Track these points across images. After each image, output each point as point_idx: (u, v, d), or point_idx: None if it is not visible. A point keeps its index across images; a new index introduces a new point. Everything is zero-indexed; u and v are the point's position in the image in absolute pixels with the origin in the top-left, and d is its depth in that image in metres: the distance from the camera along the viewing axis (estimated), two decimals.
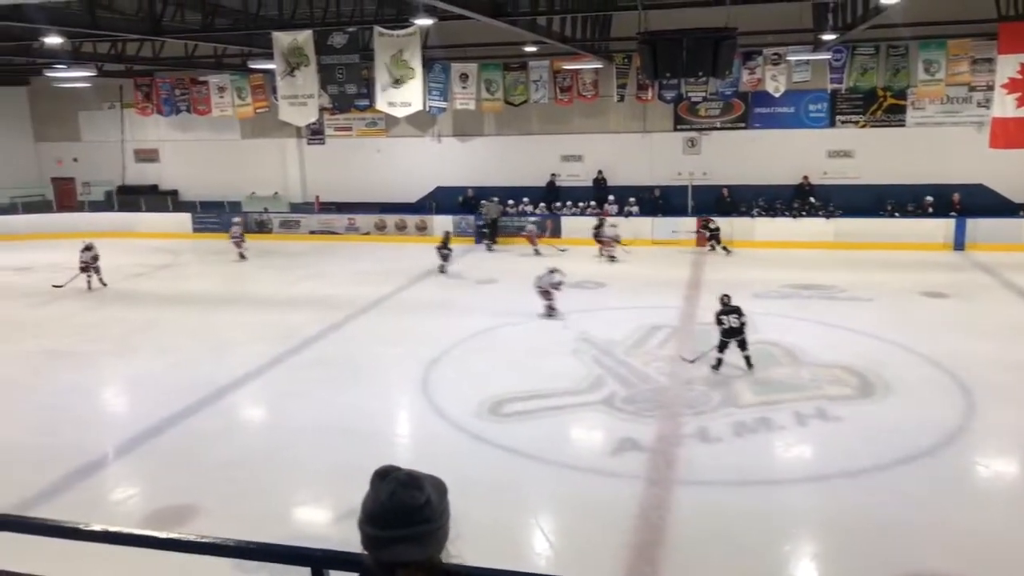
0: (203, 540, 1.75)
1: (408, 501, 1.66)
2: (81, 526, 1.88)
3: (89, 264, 17.20)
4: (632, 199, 22.42)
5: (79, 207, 26.87)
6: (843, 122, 21.69)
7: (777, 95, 20.49)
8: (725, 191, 21.92)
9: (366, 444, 8.93)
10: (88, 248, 17.37)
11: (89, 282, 17.29)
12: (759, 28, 16.90)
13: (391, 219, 23.73)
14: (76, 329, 14.39)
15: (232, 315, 15.28)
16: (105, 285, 17.49)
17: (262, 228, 24.61)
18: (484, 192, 23.38)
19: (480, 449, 8.72)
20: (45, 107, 27.79)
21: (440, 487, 1.73)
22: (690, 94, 21.36)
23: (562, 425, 9.55)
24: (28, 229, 24.84)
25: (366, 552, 1.67)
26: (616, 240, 19.75)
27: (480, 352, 12.44)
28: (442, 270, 18.29)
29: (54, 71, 20.92)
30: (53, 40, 14.28)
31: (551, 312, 13.97)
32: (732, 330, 10.88)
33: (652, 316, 13.92)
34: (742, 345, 10.93)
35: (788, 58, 19.64)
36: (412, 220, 23.71)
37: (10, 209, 25.88)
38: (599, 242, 19.96)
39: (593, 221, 20.79)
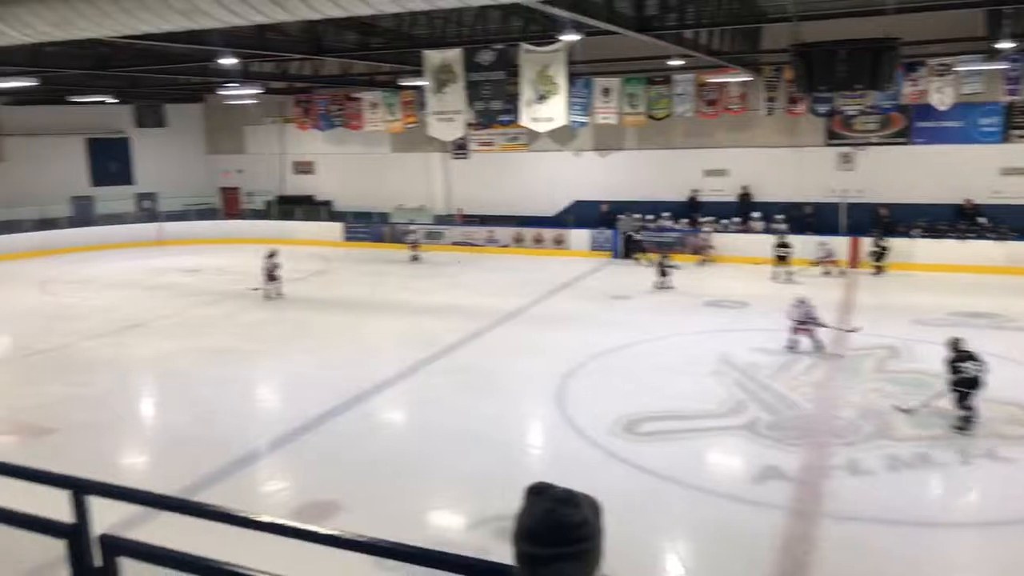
0: (361, 539, 1.80)
1: (567, 519, 1.63)
2: (250, 515, 1.98)
3: (271, 271, 17.57)
4: (780, 216, 21.55)
5: (242, 215, 28.93)
6: (1020, 137, 19.93)
7: (943, 108, 19.12)
8: (883, 210, 20.64)
9: (500, 454, 9.01)
10: (271, 255, 17.72)
11: (268, 291, 17.61)
12: (923, 37, 15.83)
13: (529, 232, 23.98)
14: (238, 328, 15.43)
15: (378, 321, 15.91)
16: (281, 295, 17.77)
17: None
18: (623, 207, 23.19)
19: (615, 467, 8.59)
20: (216, 122, 30.16)
21: (595, 505, 1.70)
22: (845, 107, 20.31)
23: (701, 448, 9.26)
24: (198, 235, 26.99)
25: (520, 568, 1.66)
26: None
27: (616, 369, 12.29)
28: (662, 285, 17.84)
29: (226, 89, 22.67)
30: (227, 60, 15.48)
31: (817, 345, 12.49)
32: (971, 380, 9.21)
33: (799, 339, 13.24)
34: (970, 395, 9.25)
35: (956, 68, 18.30)
36: (550, 233, 23.86)
37: (183, 216, 28.22)
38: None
39: (772, 239, 19.67)
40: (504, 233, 24.39)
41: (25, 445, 9.69)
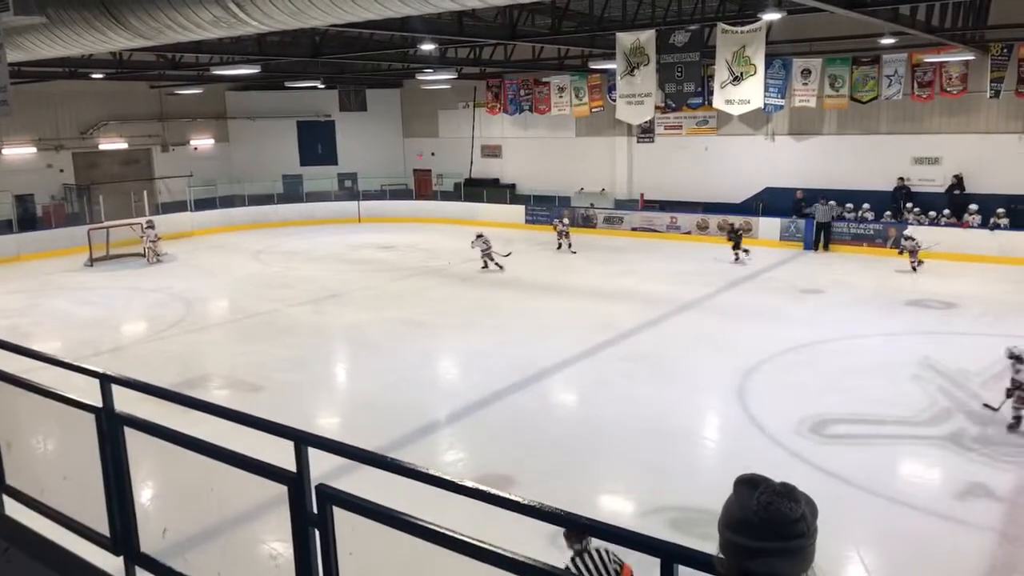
0: (559, 512, 1.85)
1: (785, 513, 1.58)
2: (454, 479, 2.08)
3: (485, 250, 19.28)
4: (1001, 210, 19.41)
5: (433, 196, 30.28)
6: None
7: None
8: None
9: (676, 445, 8.87)
10: (479, 236, 19.45)
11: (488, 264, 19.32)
12: None
13: (714, 219, 23.25)
14: (426, 303, 16.22)
15: (556, 302, 16.12)
16: (501, 268, 19.21)
17: (587, 223, 25.57)
18: (818, 194, 21.86)
19: (799, 468, 8.17)
20: (412, 106, 31.67)
21: (812, 504, 1.64)
22: None
23: (896, 456, 8.62)
24: (392, 213, 28.57)
25: (725, 558, 1.63)
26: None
27: (802, 366, 11.68)
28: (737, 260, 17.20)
29: (424, 74, 23.72)
30: (427, 47, 16.18)
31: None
32: None
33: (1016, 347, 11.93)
34: None
35: None
36: (736, 221, 22.97)
37: (379, 195, 29.97)
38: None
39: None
40: (687, 220, 23.80)
41: (240, 399, 10.75)
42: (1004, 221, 19.27)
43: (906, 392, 10.26)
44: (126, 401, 3.29)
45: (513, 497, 1.94)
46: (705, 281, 17.35)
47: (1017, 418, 9.03)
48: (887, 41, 16.77)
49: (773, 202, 22.88)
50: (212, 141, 29.91)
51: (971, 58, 18.16)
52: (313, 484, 2.53)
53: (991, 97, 18.95)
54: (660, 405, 10.09)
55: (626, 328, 13.65)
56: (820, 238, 21.06)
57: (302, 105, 30.18)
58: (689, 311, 15.07)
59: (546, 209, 26.55)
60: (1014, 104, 19.29)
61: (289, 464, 2.56)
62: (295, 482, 2.48)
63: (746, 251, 19.68)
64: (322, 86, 27.77)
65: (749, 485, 1.64)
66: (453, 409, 10.22)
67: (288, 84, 27.29)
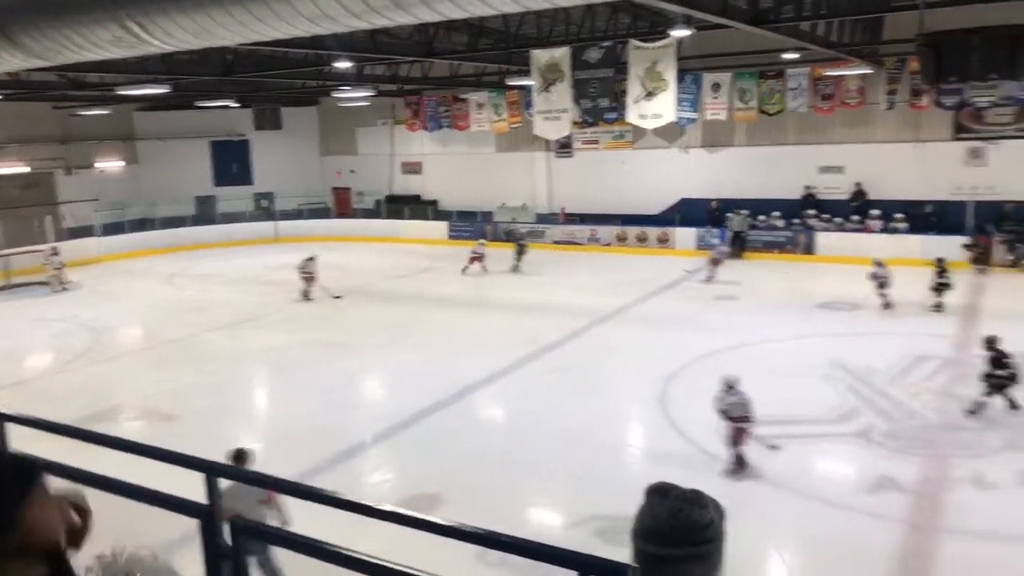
0: (477, 531, 1.84)
1: (694, 519, 1.61)
2: (369, 503, 2.06)
3: (307, 275, 17.84)
4: (899, 215, 20.48)
5: (353, 214, 29.93)
6: None
7: None
8: (1008, 206, 19.37)
9: (601, 454, 8.98)
10: (310, 258, 18.02)
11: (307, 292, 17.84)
12: None
13: (632, 231, 23.71)
14: (347, 323, 15.98)
15: (480, 317, 16.13)
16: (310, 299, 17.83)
17: (509, 238, 25.69)
18: (731, 204, 22.59)
19: (718, 471, 8.38)
20: (329, 124, 31.29)
21: (720, 508, 1.67)
22: (975, 99, 19.05)
23: (811, 455, 8.94)
24: (310, 232, 28.06)
25: (639, 567, 1.65)
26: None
27: (720, 371, 11.86)
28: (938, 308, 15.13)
29: (340, 92, 23.49)
30: (342, 64, 16.05)
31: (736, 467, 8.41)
32: (1013, 376, 9.45)
33: (919, 344, 12.59)
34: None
35: None
36: (654, 232, 23.53)
37: (297, 215, 29.44)
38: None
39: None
40: (607, 232, 24.22)
41: (153, 429, 10.35)
42: (902, 225, 20.32)
43: (818, 392, 10.66)
44: (27, 440, 3.13)
45: (427, 518, 1.93)
46: (626, 292, 17.66)
47: (980, 404, 9.59)
48: (790, 56, 17.53)
49: (689, 213, 23.52)
50: (121, 163, 28.83)
51: (868, 72, 19.12)
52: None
53: (887, 109, 20.01)
54: (585, 416, 10.20)
55: (550, 341, 13.76)
56: (735, 246, 21.73)
57: (215, 124, 29.43)
58: (611, 321, 15.31)
59: (469, 225, 26.60)
60: (908, 115, 20.39)
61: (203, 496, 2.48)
62: (206, 515, 2.40)
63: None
64: (236, 105, 27.14)
65: (659, 494, 1.67)
66: (378, 430, 10.09)
67: (199, 103, 26.58)
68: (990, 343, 9.72)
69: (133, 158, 29.27)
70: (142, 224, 27.03)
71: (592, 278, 19.90)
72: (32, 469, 1.56)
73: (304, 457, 8.95)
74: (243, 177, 30.40)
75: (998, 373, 9.52)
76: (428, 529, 1.92)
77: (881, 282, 15.19)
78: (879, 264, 15.41)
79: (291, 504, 2.24)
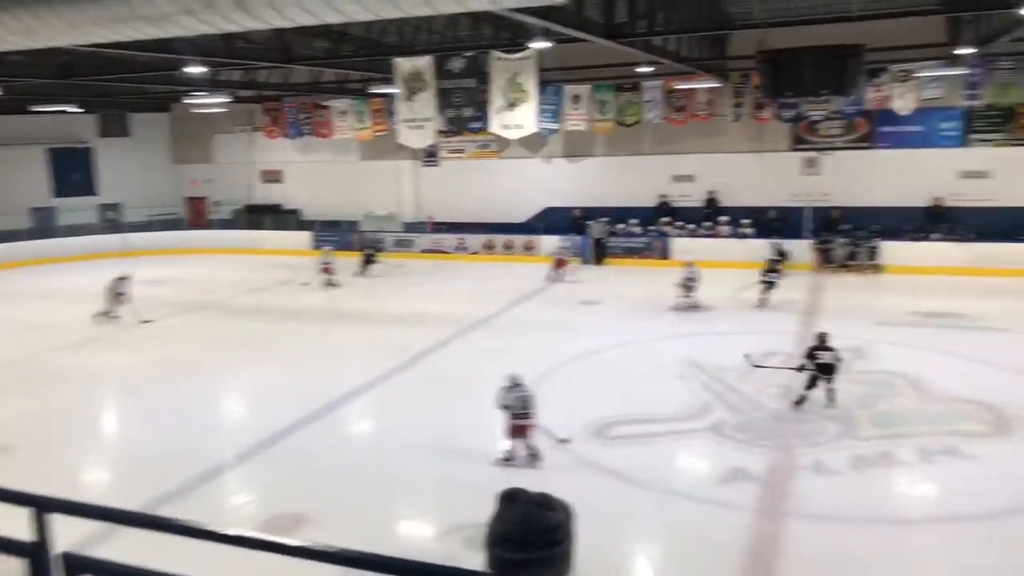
0: (331, 550, 1.81)
1: (543, 522, 1.64)
2: (218, 529, 1.98)
3: (117, 293, 16.41)
4: (746, 220, 21.83)
5: (209, 225, 28.63)
6: (978, 141, 20.42)
7: (905, 113, 19.52)
8: (836, 213, 21.15)
9: (470, 462, 9.00)
10: (121, 278, 16.52)
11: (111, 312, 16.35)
12: (886, 44, 16.16)
13: (499, 239, 24.02)
14: (203, 340, 15.26)
15: (346, 329, 15.82)
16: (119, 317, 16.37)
17: (360, 245, 25.40)
18: (593, 212, 23.33)
19: (585, 472, 8.64)
20: (183, 131, 29.81)
21: (568, 509, 1.72)
22: (810, 113, 20.62)
23: (669, 451, 9.35)
24: (163, 245, 26.62)
25: (493, 574, 1.67)
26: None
27: (585, 374, 12.36)
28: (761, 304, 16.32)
29: (194, 98, 22.44)
30: (195, 69, 15.34)
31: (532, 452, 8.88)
32: (826, 366, 10.30)
33: (765, 342, 13.44)
34: (830, 380, 10.35)
35: (918, 74, 18.70)
36: (520, 240, 23.92)
37: (147, 226, 27.81)
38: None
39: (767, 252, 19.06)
40: (474, 240, 24.40)
41: None
42: (749, 230, 21.68)
43: (674, 390, 11.18)
44: None
45: (274, 539, 1.88)
46: (494, 299, 17.85)
47: (803, 396, 10.32)
48: (644, 69, 18.31)
49: (554, 221, 24.08)
50: None
51: (715, 86, 20.28)
52: (61, 552, 2.29)
53: (733, 120, 21.30)
54: (455, 424, 10.22)
55: (417, 351, 13.68)
56: (596, 253, 22.44)
57: (53, 130, 27.36)
58: (480, 329, 15.42)
59: (334, 234, 26.07)
60: (752, 126, 21.80)
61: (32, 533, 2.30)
62: (35, 553, 2.23)
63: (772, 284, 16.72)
64: (77, 110, 25.35)
65: (509, 499, 1.70)
66: (239, 450, 9.68)
67: (34, 108, 24.61)
68: (820, 338, 10.49)
69: None
70: None
71: (461, 286, 19.99)
72: None
73: (156, 484, 8.46)
74: (86, 187, 28.44)
75: (808, 365, 10.30)
76: (270, 550, 1.87)
77: (688, 284, 16.12)
78: (690, 266, 16.38)
79: (138, 536, 2.11)
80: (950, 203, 20.43)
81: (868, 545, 7.08)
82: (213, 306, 18.14)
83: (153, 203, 28.53)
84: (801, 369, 10.44)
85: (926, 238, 20.16)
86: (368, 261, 21.74)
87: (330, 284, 20.02)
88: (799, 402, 10.35)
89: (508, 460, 8.77)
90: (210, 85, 20.19)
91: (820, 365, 10.29)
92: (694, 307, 16.13)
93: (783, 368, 10.92)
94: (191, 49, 13.56)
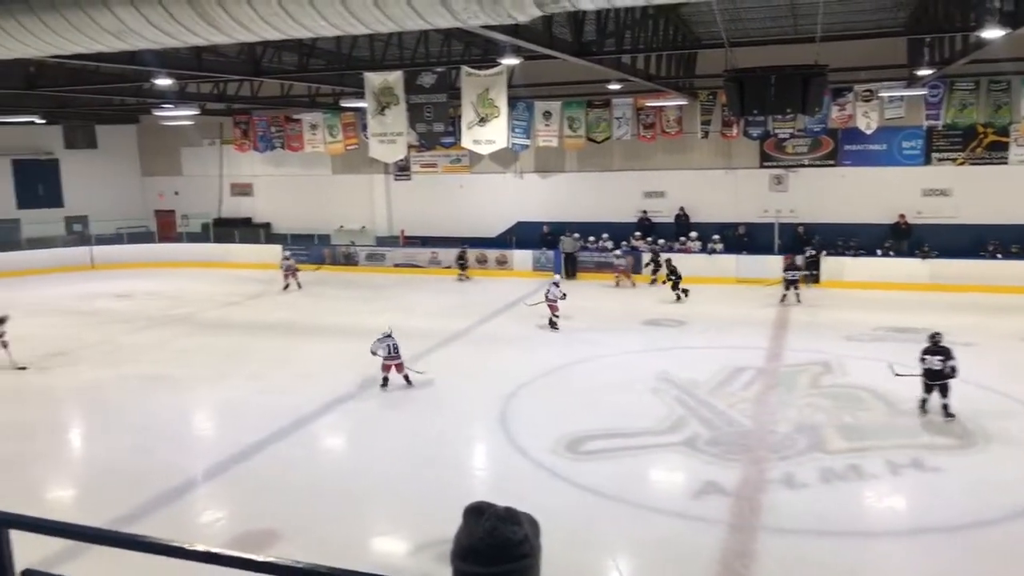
0: (300, 566, 1.78)
1: (508, 536, 1.64)
2: (185, 545, 1.94)
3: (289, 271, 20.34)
4: (716, 236, 22.08)
5: (178, 238, 28.27)
6: (940, 160, 20.89)
7: (869, 132, 19.93)
8: (800, 228, 21.53)
9: (443, 476, 8.95)
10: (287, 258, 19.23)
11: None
12: (850, 64, 16.53)
13: (472, 253, 24.02)
14: (171, 354, 15.02)
15: (317, 344, 15.67)
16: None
17: (349, 261, 25.29)
18: (563, 227, 23.45)
19: (558, 486, 8.62)
20: (151, 143, 29.47)
21: (534, 523, 1.72)
22: (777, 131, 21.00)
23: (642, 465, 9.37)
24: (131, 258, 26.24)
25: None
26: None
27: (558, 388, 12.37)
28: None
29: (162, 110, 22.20)
30: (163, 81, 15.19)
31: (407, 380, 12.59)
32: (934, 372, 10.35)
33: (736, 357, 13.57)
34: (943, 391, 10.38)
35: (881, 94, 19.12)
36: (493, 254, 23.95)
37: (115, 239, 27.39)
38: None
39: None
40: (447, 254, 24.38)
41: None
42: (719, 246, 21.92)
43: (647, 404, 11.22)
44: None
45: (243, 555, 1.85)
46: (466, 313, 17.82)
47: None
48: (614, 87, 18.49)
49: (525, 235, 24.15)
50: None
51: (684, 103, 20.54)
52: (21, 570, 2.24)
53: (702, 137, 21.57)
54: (427, 438, 10.16)
55: None
56: (567, 267, 22.53)
57: (17, 142, 26.90)
58: (452, 343, 15.37)
59: (305, 248, 25.89)
60: (721, 144, 22.09)
61: None
62: None
63: (686, 291, 18.79)
64: (42, 121, 24.94)
65: (474, 513, 1.70)
66: (208, 466, 9.52)
67: None
68: (932, 339, 10.68)
69: None
70: None
71: (434, 300, 19.92)
72: None
73: (123, 500, 8.30)
74: (52, 199, 27.97)
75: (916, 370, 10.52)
76: (238, 566, 1.84)
77: (551, 303, 16.07)
78: (556, 284, 16.41)
79: (105, 554, 2.07)
80: (913, 220, 20.84)
81: (838, 557, 7.15)
82: (182, 320, 17.88)
83: (121, 216, 28.12)
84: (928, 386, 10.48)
85: (887, 254, 20.55)
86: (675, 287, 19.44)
87: (290, 287, 21.46)
88: (921, 406, 10.53)
89: (383, 386, 12.21)
90: (178, 97, 20.01)
91: (927, 371, 10.40)
92: (552, 325, 16.09)
93: (915, 375, 10.73)
94: (158, 61, 13.43)
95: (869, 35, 15.09)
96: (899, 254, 20.52)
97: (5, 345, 13.87)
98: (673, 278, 18.93)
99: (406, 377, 12.30)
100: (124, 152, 29.48)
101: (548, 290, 16.18)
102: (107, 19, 4.12)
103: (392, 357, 12.21)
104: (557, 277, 17.75)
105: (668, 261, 19.73)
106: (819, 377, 12.54)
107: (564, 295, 16.17)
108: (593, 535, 7.56)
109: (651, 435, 10.09)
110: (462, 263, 23.06)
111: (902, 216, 20.86)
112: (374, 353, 12.18)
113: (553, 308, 16.04)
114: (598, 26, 13.02)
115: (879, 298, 18.78)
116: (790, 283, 18.39)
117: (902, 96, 19.10)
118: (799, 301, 18.18)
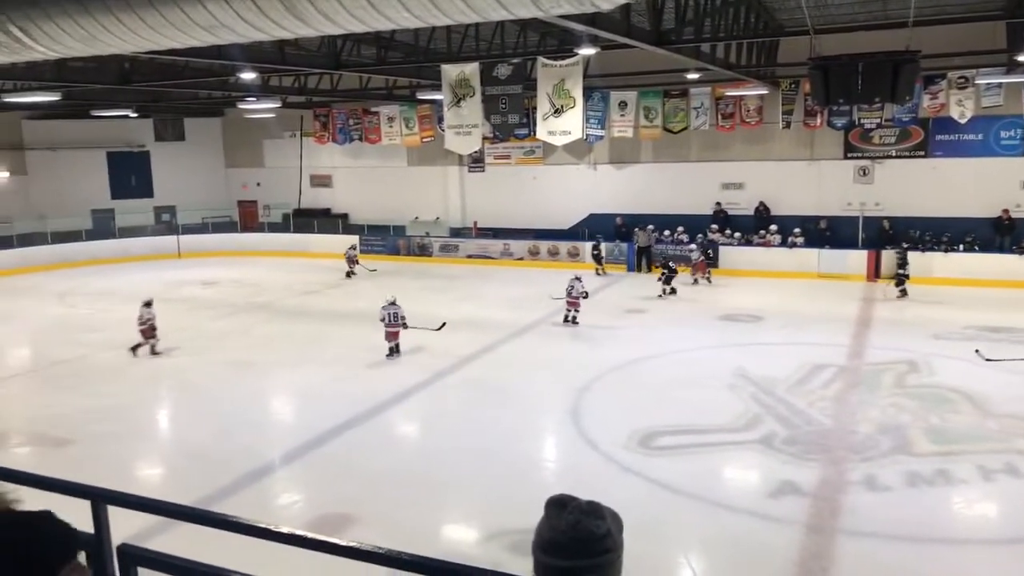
0: (380, 551, 1.81)
1: (592, 531, 1.63)
2: (271, 527, 1.99)
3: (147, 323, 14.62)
4: (797, 230, 21.45)
5: (260, 228, 29.19)
6: None
7: (963, 121, 18.98)
8: (886, 223, 20.68)
9: (514, 468, 8.99)
10: (148, 304, 14.54)
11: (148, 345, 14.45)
12: (943, 50, 15.76)
13: (544, 245, 24.00)
14: (253, 341, 15.52)
15: None
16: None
17: (423, 251, 25.63)
18: (637, 220, 23.17)
19: (630, 481, 8.54)
20: (235, 136, 30.48)
21: (617, 518, 1.70)
22: (863, 121, 20.20)
23: (717, 462, 9.20)
24: (215, 247, 27.23)
25: None
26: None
27: (630, 382, 12.25)
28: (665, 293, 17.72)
29: (246, 103, 22.92)
30: (247, 75, 15.66)
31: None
32: None
33: (816, 354, 13.17)
34: None
35: (977, 81, 18.18)
36: (565, 246, 23.87)
37: (201, 229, 28.49)
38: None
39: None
40: (519, 246, 24.42)
41: (43, 456, 9.77)
42: (800, 240, 21.29)
43: (723, 401, 10.99)
44: None
45: (324, 538, 1.89)
46: (538, 306, 17.80)
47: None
48: (692, 76, 18.13)
49: (598, 228, 23.96)
50: (6, 174, 27.25)
51: (765, 92, 19.99)
52: (117, 544, 2.34)
53: (783, 128, 20.94)
54: (499, 429, 10.21)
55: (463, 355, 13.72)
56: (642, 261, 22.26)
57: (112, 135, 28.22)
58: (524, 335, 15.40)
59: (381, 238, 26.36)
60: (803, 134, 21.43)
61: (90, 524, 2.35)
62: (93, 545, 2.28)
63: (674, 290, 18.75)
64: (134, 115, 26.08)
65: (558, 506, 1.68)
66: (287, 450, 9.81)
67: (95, 112, 25.41)
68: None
69: (21, 169, 27.71)
70: (31, 239, 25.51)
71: (506, 291, 19.99)
72: (75, 539, 1.69)
73: (207, 481, 8.62)
74: (143, 190, 29.26)
75: None
76: (319, 549, 1.88)
77: (573, 300, 15.67)
78: (578, 279, 15.94)
79: (191, 531, 2.15)
80: (1014, 214, 19.77)
81: (923, 564, 6.87)
82: (264, 308, 18.45)
83: (206, 206, 29.23)
84: None
85: (971, 249, 19.61)
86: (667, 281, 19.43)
87: (352, 273, 22.27)
88: None
89: (389, 355, 13.34)
90: (261, 91, 20.60)
91: None
92: (573, 321, 15.83)
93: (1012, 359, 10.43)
94: (243, 56, 13.84)
95: (965, 19, 14.34)
96: (998, 250, 19.52)
97: (154, 329, 14.06)
98: (667, 273, 18.66)
99: (396, 347, 13.46)
100: (209, 144, 30.58)
101: (571, 286, 15.70)
102: (200, 14, 4.26)
103: (391, 324, 13.27)
104: (579, 273, 17.21)
105: (667, 261, 19.47)
106: (904, 376, 12.05)
107: (586, 293, 15.77)
108: (665, 530, 7.46)
109: (726, 432, 9.89)
110: (596, 254, 22.14)
111: (1005, 211, 19.81)
112: (381, 321, 13.35)
113: (573, 304, 15.66)
114: (677, 14, 12.76)
115: (972, 296, 17.93)
116: (903, 278, 18.05)
117: (1000, 83, 18.12)
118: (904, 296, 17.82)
